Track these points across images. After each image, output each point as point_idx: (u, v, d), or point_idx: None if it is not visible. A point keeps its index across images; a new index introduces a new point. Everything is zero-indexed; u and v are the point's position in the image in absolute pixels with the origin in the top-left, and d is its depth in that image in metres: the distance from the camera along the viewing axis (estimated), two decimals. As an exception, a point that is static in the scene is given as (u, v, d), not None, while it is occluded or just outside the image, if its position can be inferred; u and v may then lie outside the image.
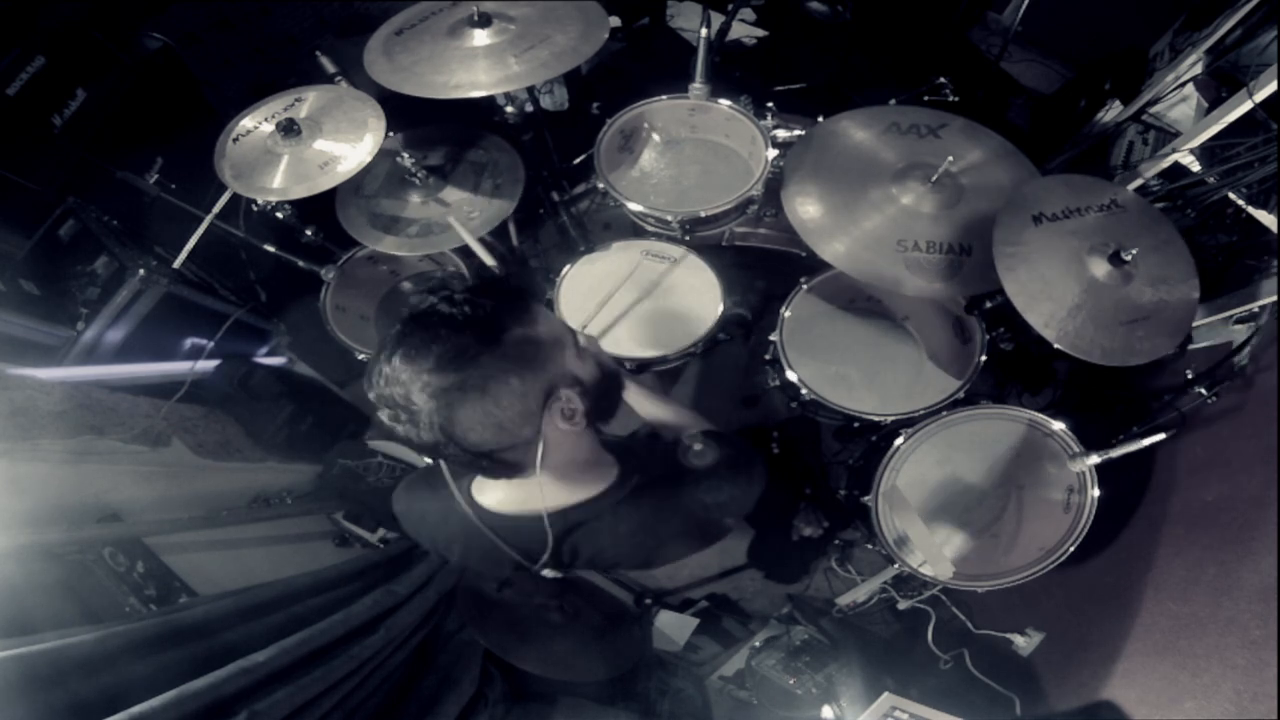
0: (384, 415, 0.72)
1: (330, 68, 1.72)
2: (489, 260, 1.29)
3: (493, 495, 0.90)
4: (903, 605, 1.93)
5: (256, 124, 1.61)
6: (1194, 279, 1.33)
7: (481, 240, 1.65)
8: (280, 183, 1.53)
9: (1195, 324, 1.54)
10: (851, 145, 1.60)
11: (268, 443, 2.07)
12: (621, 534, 0.91)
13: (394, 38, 1.60)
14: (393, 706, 1.30)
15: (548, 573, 0.96)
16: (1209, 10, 1.91)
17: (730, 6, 2.70)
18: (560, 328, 0.80)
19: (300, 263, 1.86)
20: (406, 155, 1.72)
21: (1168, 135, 2.03)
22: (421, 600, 1.47)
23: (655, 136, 1.90)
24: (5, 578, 1.11)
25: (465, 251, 1.88)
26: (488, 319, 0.71)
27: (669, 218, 1.68)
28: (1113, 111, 2.22)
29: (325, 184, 1.51)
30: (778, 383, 1.75)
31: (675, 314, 1.71)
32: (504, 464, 0.77)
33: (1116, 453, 1.35)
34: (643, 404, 1.14)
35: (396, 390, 0.69)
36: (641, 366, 1.67)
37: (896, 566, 1.53)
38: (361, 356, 1.79)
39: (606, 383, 0.85)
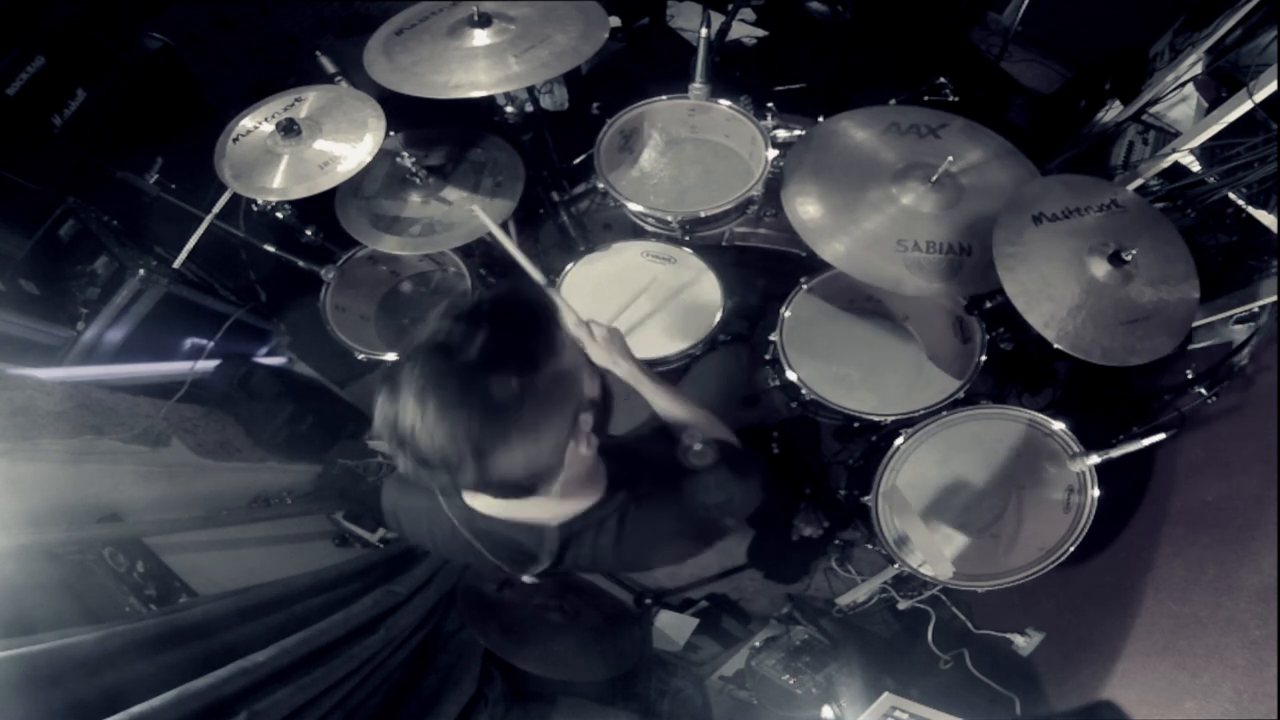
0: (405, 464, 0.68)
1: (330, 68, 1.72)
2: (514, 251, 1.28)
3: (485, 500, 0.89)
4: (903, 605, 1.93)
5: (256, 124, 1.61)
6: (1194, 279, 1.33)
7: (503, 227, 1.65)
8: (280, 183, 1.53)
9: (1195, 324, 1.54)
10: (851, 145, 1.60)
11: (268, 443, 2.07)
12: (621, 538, 0.91)
13: (394, 38, 1.60)
14: (393, 706, 1.30)
15: (528, 579, 0.96)
16: (1209, 10, 1.91)
17: (730, 6, 2.70)
18: (575, 350, 0.78)
19: (300, 263, 1.86)
20: (406, 155, 1.72)
21: (1168, 135, 2.03)
22: (421, 600, 1.47)
23: (655, 136, 1.90)
24: (5, 578, 1.11)
25: (465, 251, 1.89)
26: (523, 358, 0.68)
27: (669, 218, 1.68)
28: (1113, 111, 2.22)
29: (325, 184, 1.52)
30: (778, 383, 1.75)
31: (675, 314, 1.71)
32: (521, 489, 0.75)
33: (1116, 453, 1.35)
34: (659, 400, 1.13)
35: (429, 441, 0.65)
36: (657, 374, 1.67)
37: (896, 566, 1.53)
38: (361, 356, 1.79)
39: (607, 397, 0.85)
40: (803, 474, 2.12)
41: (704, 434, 1.04)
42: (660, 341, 1.66)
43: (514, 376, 0.66)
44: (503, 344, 0.67)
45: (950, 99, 1.93)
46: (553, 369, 0.71)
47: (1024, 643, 1.65)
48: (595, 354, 1.15)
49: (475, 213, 1.60)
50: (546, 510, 0.87)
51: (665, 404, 1.12)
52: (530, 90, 1.84)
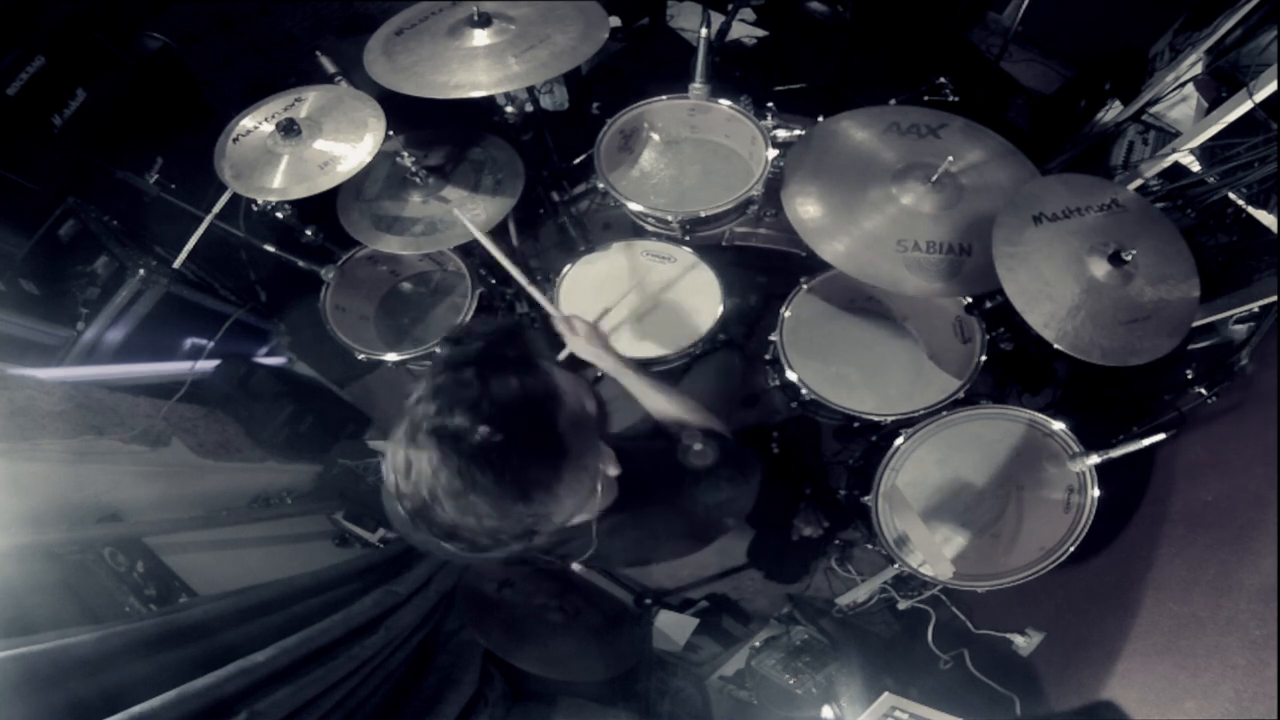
0: (454, 546, 0.67)
1: (330, 68, 1.72)
2: (498, 255, 1.29)
3: None
4: (903, 605, 1.93)
5: (256, 124, 1.61)
6: (1194, 279, 1.33)
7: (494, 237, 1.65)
8: (280, 183, 1.53)
9: (1195, 324, 1.54)
10: (851, 145, 1.60)
11: (268, 443, 2.07)
12: (623, 536, 0.91)
13: (394, 38, 1.60)
14: (393, 706, 1.30)
15: (577, 566, 0.97)
16: (1209, 10, 1.91)
17: (730, 6, 2.70)
18: (569, 378, 0.76)
19: (300, 263, 1.86)
20: (406, 155, 1.72)
21: (1168, 135, 2.03)
22: (422, 600, 1.47)
23: (655, 136, 1.90)
24: (5, 578, 1.11)
25: (465, 251, 1.89)
26: (545, 436, 0.67)
27: (669, 218, 1.68)
28: (1113, 111, 2.22)
29: (325, 184, 1.51)
30: (778, 383, 1.75)
31: (675, 314, 1.71)
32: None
33: (1116, 453, 1.35)
34: (651, 398, 1.14)
35: (488, 531, 0.66)
36: (641, 367, 1.67)
37: (896, 566, 1.53)
38: (361, 356, 1.79)
39: (603, 408, 0.85)
40: (803, 474, 2.12)
41: (690, 422, 1.05)
42: (660, 341, 1.66)
43: (545, 459, 0.66)
44: (521, 434, 0.65)
45: (950, 99, 1.93)
46: (568, 421, 0.70)
47: (1024, 643, 1.65)
48: (578, 348, 1.17)
49: (460, 219, 1.58)
50: (587, 514, 0.88)
51: (650, 395, 1.13)
52: (530, 90, 1.84)
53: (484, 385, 0.65)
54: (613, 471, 0.79)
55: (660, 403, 1.13)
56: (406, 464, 0.65)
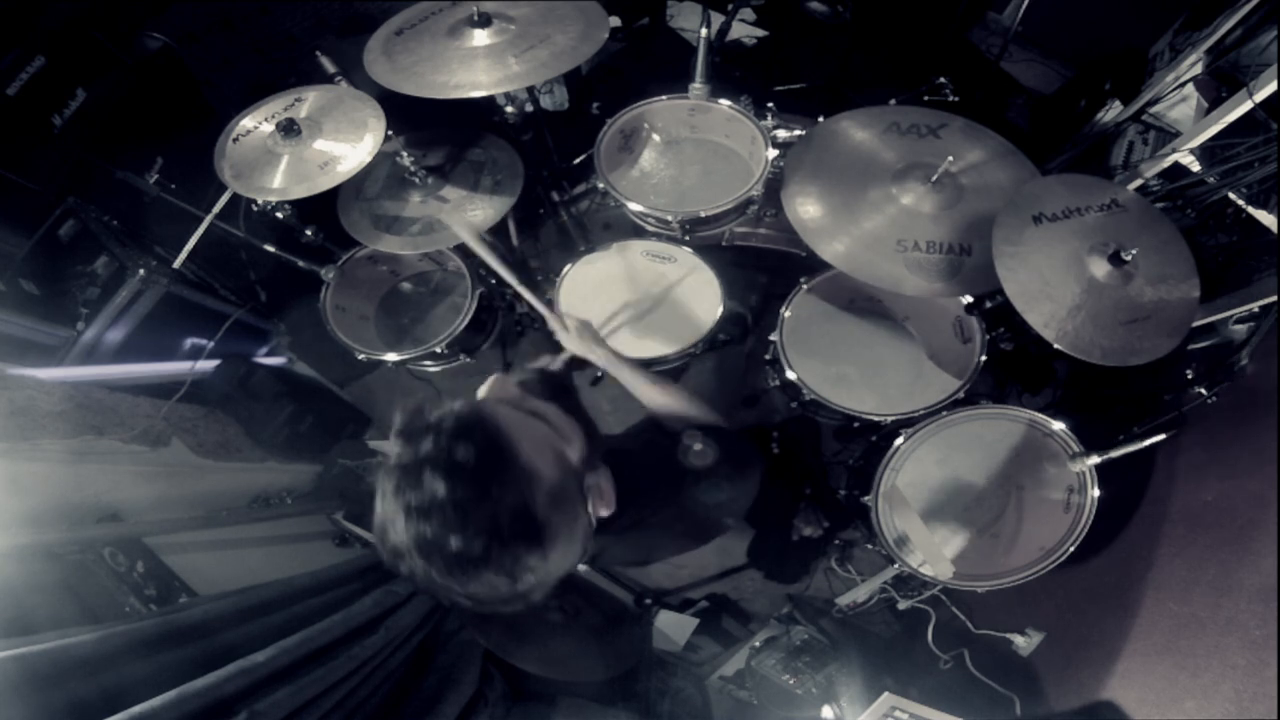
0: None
1: (330, 68, 1.72)
2: (490, 260, 1.29)
3: None
4: (903, 605, 1.93)
5: (256, 124, 1.61)
6: (1194, 279, 1.33)
7: (482, 239, 1.65)
8: (280, 183, 1.53)
9: (1195, 324, 1.54)
10: (851, 145, 1.60)
11: (268, 443, 2.07)
12: (623, 538, 0.91)
13: (394, 38, 1.60)
14: (393, 706, 1.30)
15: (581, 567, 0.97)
16: (1209, 10, 1.91)
17: (730, 6, 2.70)
18: (547, 441, 0.73)
19: (300, 263, 1.86)
20: (406, 155, 1.72)
21: (1168, 135, 2.03)
22: (422, 600, 1.46)
23: (655, 136, 1.90)
24: (5, 578, 1.11)
25: (466, 251, 1.89)
26: (524, 518, 0.65)
27: (669, 218, 1.68)
28: (1113, 111, 2.22)
29: (325, 184, 1.52)
30: (778, 383, 1.75)
31: (675, 314, 1.71)
32: None
33: (1116, 453, 1.35)
34: (648, 393, 1.13)
35: (476, 601, 0.66)
36: (637, 363, 1.67)
37: (896, 566, 1.53)
38: (361, 356, 1.79)
39: (592, 437, 0.83)
40: (803, 474, 2.12)
41: (689, 417, 1.04)
42: (660, 341, 1.66)
43: (530, 547, 0.65)
44: (501, 534, 0.63)
45: (950, 99, 1.93)
46: (547, 499, 0.68)
47: (1024, 643, 1.65)
48: (572, 345, 1.17)
49: (448, 224, 1.57)
50: None
51: (646, 390, 1.13)
52: (530, 90, 1.84)
53: (451, 489, 0.62)
54: (605, 513, 0.78)
55: (657, 397, 1.12)
56: (395, 551, 0.65)
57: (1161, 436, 1.33)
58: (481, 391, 0.95)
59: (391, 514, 0.64)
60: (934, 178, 1.47)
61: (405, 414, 0.68)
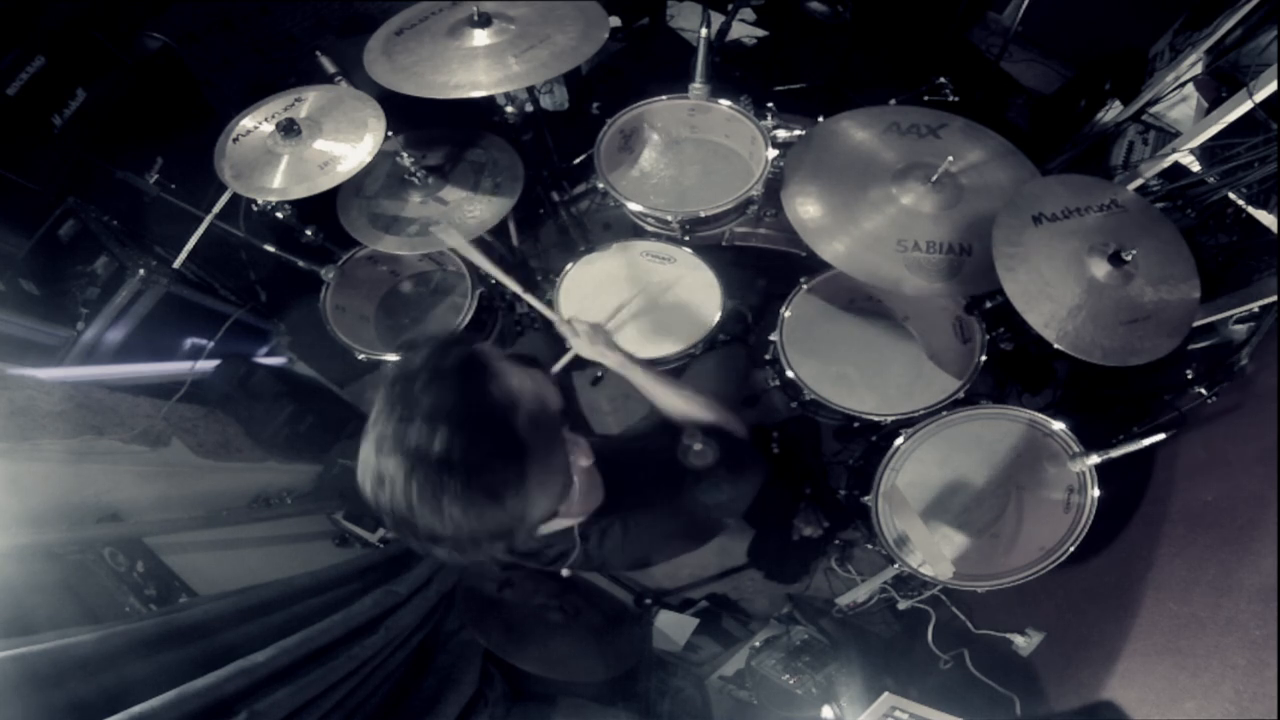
0: (440, 550, 0.69)
1: (330, 68, 1.73)
2: (484, 264, 1.29)
3: None
4: (903, 605, 1.93)
5: (256, 124, 1.61)
6: (1194, 279, 1.33)
7: (477, 241, 1.64)
8: (280, 183, 1.53)
9: (1195, 324, 1.54)
10: (851, 145, 1.60)
11: (268, 443, 2.07)
12: (624, 539, 0.91)
13: (394, 38, 1.60)
14: (393, 706, 1.30)
15: (565, 571, 0.97)
16: (1209, 10, 1.91)
17: (730, 6, 2.70)
18: (528, 376, 0.75)
19: (300, 263, 1.86)
20: (406, 155, 1.72)
21: (1168, 135, 2.03)
22: (422, 600, 1.47)
23: (655, 136, 1.90)
24: (5, 578, 1.11)
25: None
26: (502, 438, 0.67)
27: (669, 218, 1.68)
28: (1113, 111, 2.22)
29: (325, 184, 1.52)
30: (778, 382, 1.75)
31: (675, 314, 1.71)
32: (550, 516, 0.78)
33: (1116, 453, 1.35)
34: (660, 394, 1.13)
35: (468, 533, 0.67)
36: (648, 364, 1.67)
37: (896, 566, 1.53)
38: (361, 356, 1.79)
39: (569, 400, 0.86)
40: (803, 474, 2.12)
41: (701, 418, 1.04)
42: (660, 341, 1.66)
43: (509, 460, 0.67)
44: (481, 439, 0.66)
45: (950, 99, 1.93)
46: (527, 419, 0.70)
47: (1024, 643, 1.65)
48: (582, 349, 1.16)
49: (440, 237, 1.51)
50: (568, 518, 0.89)
51: (660, 392, 1.13)
52: (530, 90, 1.84)
53: (437, 394, 0.65)
54: (584, 463, 0.79)
55: (670, 398, 1.12)
56: (378, 477, 0.66)
57: (1161, 436, 1.33)
58: None
59: (379, 435, 0.67)
60: (934, 178, 1.47)
61: (403, 341, 0.72)
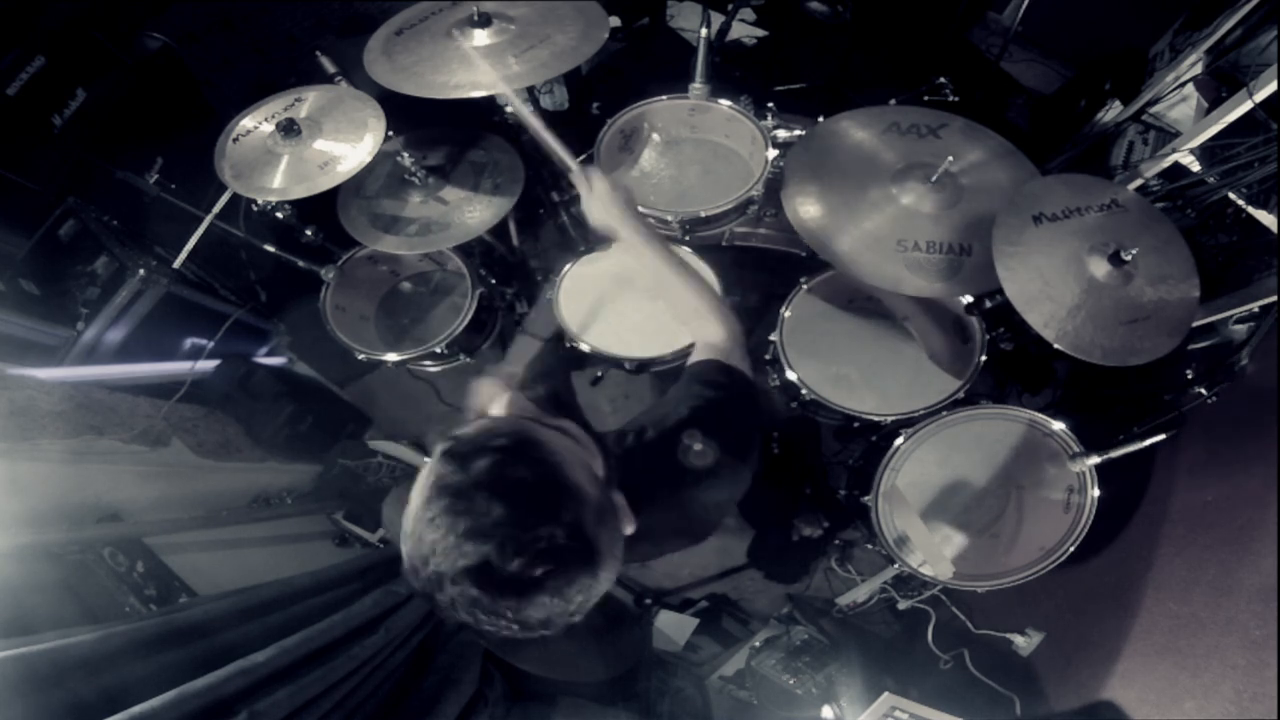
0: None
1: (330, 68, 1.72)
2: (537, 127, 1.14)
3: None
4: (903, 605, 1.93)
5: (256, 124, 1.61)
6: (1194, 279, 1.33)
7: (476, 241, 1.62)
8: (280, 183, 1.53)
9: (1195, 324, 1.54)
10: (851, 145, 1.60)
11: (268, 443, 2.07)
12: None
13: (394, 38, 1.60)
14: (393, 706, 1.30)
15: None
16: (1209, 10, 1.91)
17: (730, 6, 2.70)
18: (578, 455, 0.70)
19: (300, 263, 1.86)
20: (406, 155, 1.72)
21: (1168, 135, 2.03)
22: (422, 600, 1.47)
23: (655, 136, 1.90)
24: (5, 578, 1.11)
25: (466, 251, 1.88)
26: (577, 539, 0.62)
27: (669, 218, 1.68)
28: (1113, 111, 2.22)
29: (325, 184, 1.52)
30: (778, 383, 1.75)
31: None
32: None
33: (1117, 453, 1.35)
34: (670, 286, 1.04)
35: (537, 616, 0.62)
36: (640, 366, 1.67)
37: (896, 566, 1.53)
38: (361, 356, 1.79)
39: (609, 458, 0.80)
40: (803, 474, 2.12)
41: (706, 314, 0.99)
42: (659, 340, 1.66)
43: (584, 570, 0.63)
44: (559, 560, 0.61)
45: (950, 99, 1.93)
46: (594, 517, 0.65)
47: (1024, 643, 1.65)
48: (595, 211, 1.07)
49: (504, 92, 1.41)
50: None
51: (671, 283, 1.04)
52: (530, 90, 1.84)
53: (508, 513, 0.59)
54: (629, 530, 0.75)
55: (681, 294, 1.03)
56: (434, 585, 0.62)
57: (1161, 436, 1.33)
58: (483, 397, 0.94)
59: (435, 540, 0.60)
60: (934, 178, 1.47)
61: (444, 436, 0.65)
